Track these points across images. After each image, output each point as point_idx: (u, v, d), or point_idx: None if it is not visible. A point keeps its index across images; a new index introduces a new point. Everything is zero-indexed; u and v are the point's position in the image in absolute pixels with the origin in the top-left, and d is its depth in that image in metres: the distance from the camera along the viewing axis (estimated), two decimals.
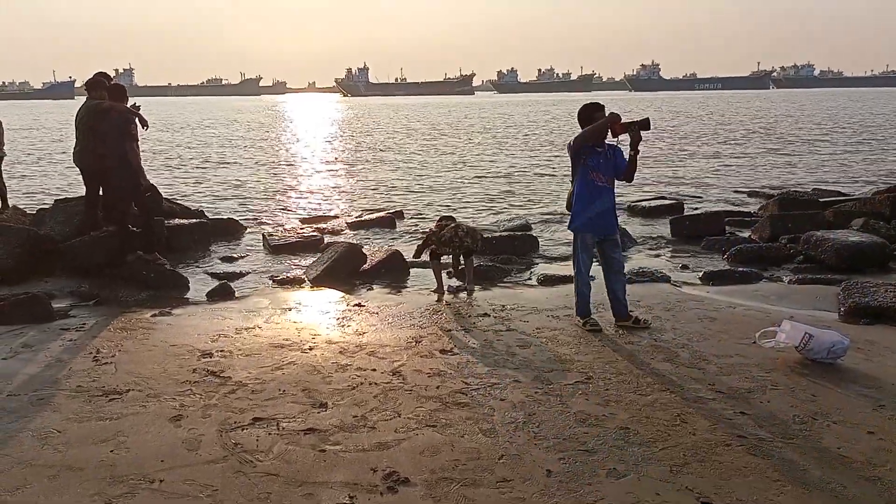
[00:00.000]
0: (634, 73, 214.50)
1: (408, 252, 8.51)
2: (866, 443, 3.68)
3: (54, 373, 4.77)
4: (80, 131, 7.68)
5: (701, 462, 3.51)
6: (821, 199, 11.02)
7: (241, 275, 7.95)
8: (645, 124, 5.37)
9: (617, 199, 5.90)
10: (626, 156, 5.64)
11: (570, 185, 5.80)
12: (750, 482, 3.32)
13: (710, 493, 3.22)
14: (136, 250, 7.56)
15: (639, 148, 5.46)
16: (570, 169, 5.79)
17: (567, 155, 5.83)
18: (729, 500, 3.16)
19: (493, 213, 12.27)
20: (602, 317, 5.88)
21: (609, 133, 5.47)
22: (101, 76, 7.82)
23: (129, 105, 7.65)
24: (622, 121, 5.44)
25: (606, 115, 5.52)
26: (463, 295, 6.93)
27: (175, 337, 5.56)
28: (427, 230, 7.42)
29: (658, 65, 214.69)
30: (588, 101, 5.76)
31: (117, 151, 7.29)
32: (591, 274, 5.85)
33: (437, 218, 7.57)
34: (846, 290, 6.39)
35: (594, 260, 5.88)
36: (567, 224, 5.99)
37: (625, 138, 5.50)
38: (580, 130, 5.64)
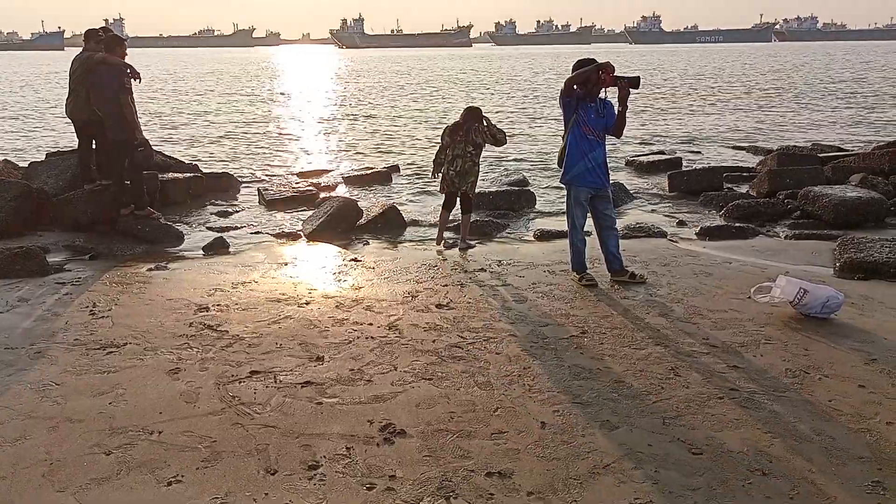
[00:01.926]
0: (635, 25, 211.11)
1: (404, 207, 8.49)
2: (857, 396, 3.73)
3: (51, 326, 4.78)
4: (73, 83, 7.54)
5: (693, 414, 3.56)
6: (820, 155, 10.95)
7: (236, 229, 7.92)
8: (635, 82, 5.33)
9: (616, 155, 5.83)
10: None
11: (562, 139, 5.76)
12: (741, 434, 3.37)
13: (702, 445, 3.27)
14: (129, 204, 7.51)
15: (627, 104, 5.48)
16: (563, 123, 5.73)
17: (559, 107, 5.77)
18: (720, 451, 3.21)
19: (491, 167, 12.18)
20: (597, 271, 5.88)
21: (600, 84, 5.45)
22: (94, 30, 7.69)
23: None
24: (614, 73, 5.40)
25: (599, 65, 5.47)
26: (456, 251, 6.92)
27: (171, 291, 5.56)
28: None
29: (659, 16, 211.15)
30: (583, 57, 5.70)
31: (110, 104, 7.17)
32: (585, 229, 5.85)
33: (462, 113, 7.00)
34: (842, 245, 6.39)
35: (587, 215, 5.85)
36: (559, 178, 5.99)
37: (613, 91, 5.47)
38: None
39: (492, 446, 3.28)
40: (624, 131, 5.72)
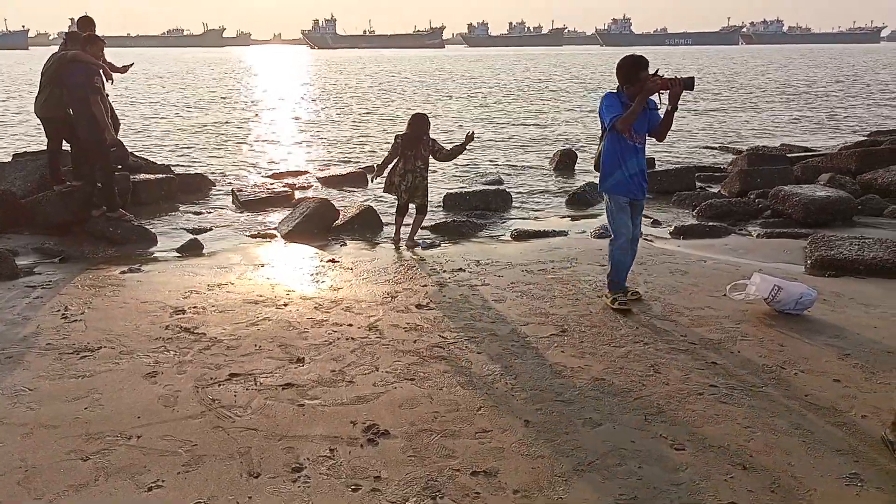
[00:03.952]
0: (606, 27, 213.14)
1: (380, 207, 8.46)
2: (832, 390, 3.81)
3: (22, 331, 4.67)
4: (44, 80, 7.38)
5: (674, 411, 3.60)
6: (789, 155, 11.17)
7: (210, 230, 7.82)
8: (690, 83, 4.76)
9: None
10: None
11: (599, 143, 5.22)
12: (721, 429, 3.41)
13: (684, 440, 3.30)
14: (101, 206, 7.37)
15: (678, 104, 4.87)
16: (600, 126, 5.21)
17: (597, 111, 5.17)
18: (702, 446, 3.25)
19: (465, 168, 12.20)
20: (578, 272, 5.90)
21: (652, 89, 4.83)
22: (77, 32, 7.61)
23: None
24: (664, 77, 4.84)
25: (650, 72, 4.86)
26: (414, 251, 6.95)
27: (145, 294, 5.46)
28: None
29: (629, 19, 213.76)
30: (629, 54, 5.04)
31: (81, 104, 7.03)
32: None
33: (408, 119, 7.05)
34: (812, 243, 6.52)
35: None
36: (599, 186, 5.29)
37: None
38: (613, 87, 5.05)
39: (476, 445, 3.28)
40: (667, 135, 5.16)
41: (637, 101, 4.75)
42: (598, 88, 31.72)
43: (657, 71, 4.87)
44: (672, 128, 5.16)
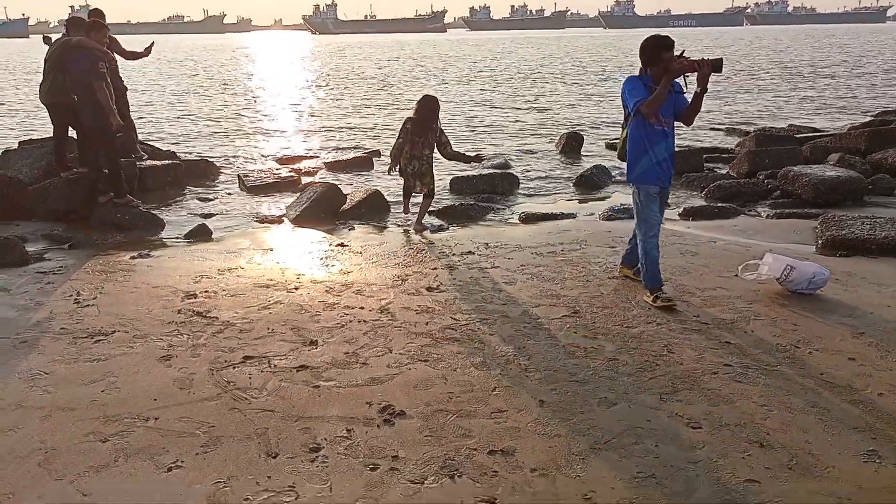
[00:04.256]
0: (609, 9, 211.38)
1: (387, 192, 8.44)
2: (848, 368, 3.80)
3: (35, 316, 4.68)
4: (48, 67, 7.36)
5: (689, 390, 3.60)
6: (797, 136, 11.09)
7: (217, 215, 7.81)
8: (718, 65, 4.53)
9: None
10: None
11: (622, 129, 5.01)
12: (737, 407, 3.41)
13: (700, 419, 3.31)
14: (108, 192, 7.37)
15: (707, 86, 4.62)
16: (623, 111, 4.97)
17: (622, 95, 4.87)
18: (718, 425, 3.26)
19: (472, 150, 12.13)
20: (589, 252, 5.89)
21: (678, 71, 4.60)
22: (80, 17, 7.64)
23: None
24: (690, 58, 4.59)
25: (674, 52, 4.63)
26: (423, 235, 6.95)
27: (156, 279, 5.47)
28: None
29: (632, 1, 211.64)
30: (652, 34, 4.80)
31: (85, 90, 7.01)
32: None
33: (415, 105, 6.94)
34: (823, 223, 6.49)
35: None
36: (629, 175, 5.05)
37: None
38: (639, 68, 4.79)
39: (492, 425, 3.29)
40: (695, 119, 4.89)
41: (662, 83, 4.52)
42: (603, 73, 31.55)
43: (682, 52, 4.68)
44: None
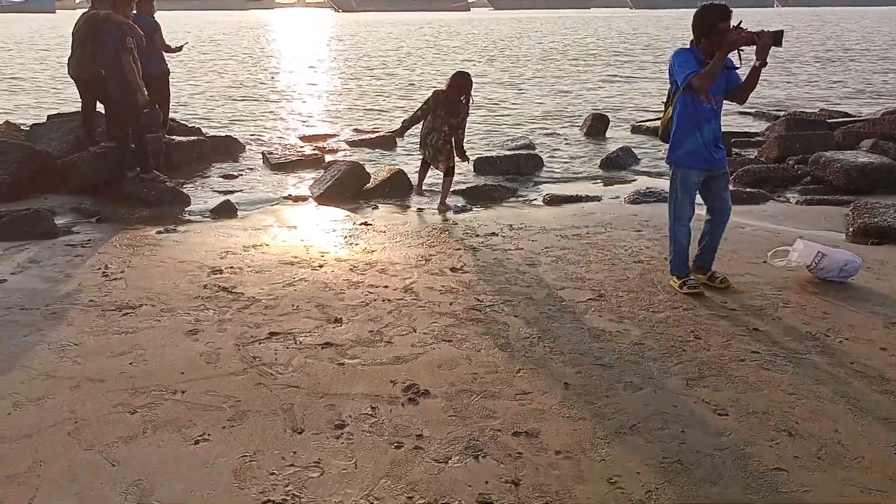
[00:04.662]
0: None
1: (410, 171, 8.41)
2: (879, 359, 3.74)
3: (64, 287, 4.75)
4: (76, 41, 7.39)
5: (716, 376, 3.56)
6: (828, 121, 10.86)
7: (242, 192, 7.85)
8: (778, 37, 4.25)
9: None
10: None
11: (665, 107, 4.73)
12: (765, 395, 3.37)
13: (727, 406, 3.28)
14: (135, 167, 7.42)
15: (767, 60, 4.32)
16: (668, 89, 4.69)
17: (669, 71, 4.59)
18: (745, 412, 3.22)
19: (494, 134, 12.06)
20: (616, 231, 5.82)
21: (736, 43, 4.31)
22: None
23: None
24: (748, 31, 4.31)
25: (732, 23, 4.33)
26: (446, 215, 6.92)
27: (182, 253, 5.51)
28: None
29: None
30: (708, 3, 4.44)
31: (112, 64, 7.04)
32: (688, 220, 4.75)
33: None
34: (855, 210, 6.37)
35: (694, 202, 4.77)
36: (667, 156, 4.71)
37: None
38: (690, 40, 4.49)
39: (517, 406, 3.28)
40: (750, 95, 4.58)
41: (718, 55, 4.25)
42: (627, 55, 31.08)
43: (740, 22, 4.35)
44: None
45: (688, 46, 4.54)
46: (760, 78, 4.49)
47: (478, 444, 2.98)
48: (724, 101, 4.58)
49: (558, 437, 3.03)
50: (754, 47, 4.28)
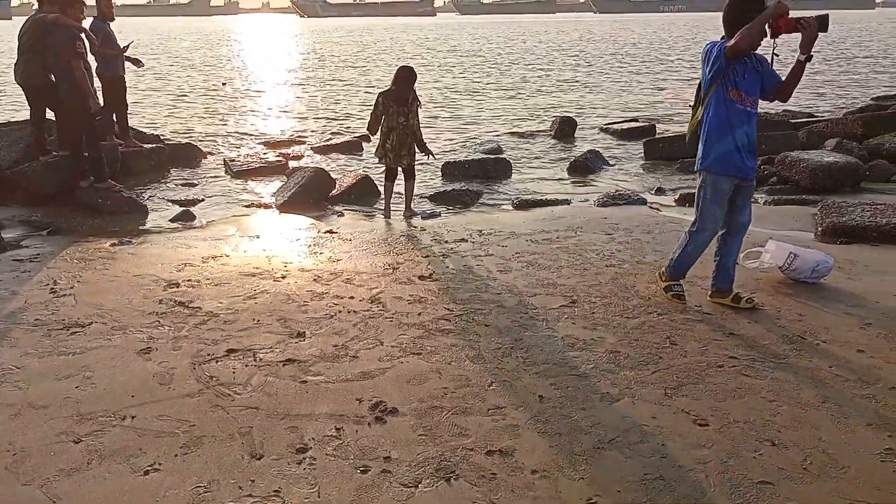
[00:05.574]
0: None
1: (376, 177, 8.23)
2: (857, 361, 3.66)
3: (8, 306, 4.46)
4: (22, 46, 7.06)
5: (694, 384, 3.45)
6: (792, 121, 10.95)
7: (203, 201, 7.58)
8: (824, 22, 3.85)
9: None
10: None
11: (693, 109, 4.37)
12: (745, 403, 3.27)
13: (707, 415, 3.16)
14: (88, 176, 7.11)
15: (812, 53, 3.94)
16: (699, 88, 4.31)
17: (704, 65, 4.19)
18: (726, 421, 3.11)
19: (463, 135, 11.92)
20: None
21: (768, 33, 3.96)
22: None
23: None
24: (789, 15, 3.91)
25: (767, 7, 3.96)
26: (412, 221, 6.77)
27: (137, 267, 5.25)
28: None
29: None
30: None
31: (63, 70, 6.73)
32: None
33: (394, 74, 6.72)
34: (823, 209, 6.36)
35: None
36: (699, 164, 4.29)
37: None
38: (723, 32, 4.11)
39: (490, 423, 3.12)
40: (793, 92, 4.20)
41: (758, 18, 3.85)
42: (584, 56, 31.29)
43: (780, 3, 3.95)
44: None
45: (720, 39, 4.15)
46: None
47: (449, 465, 2.81)
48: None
49: (534, 455, 2.88)
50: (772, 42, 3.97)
